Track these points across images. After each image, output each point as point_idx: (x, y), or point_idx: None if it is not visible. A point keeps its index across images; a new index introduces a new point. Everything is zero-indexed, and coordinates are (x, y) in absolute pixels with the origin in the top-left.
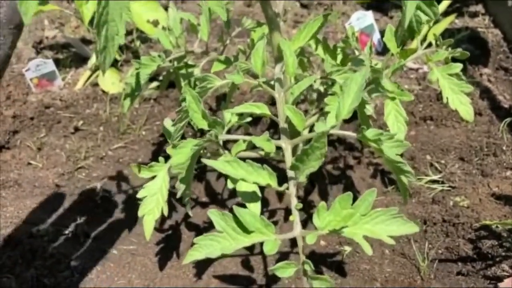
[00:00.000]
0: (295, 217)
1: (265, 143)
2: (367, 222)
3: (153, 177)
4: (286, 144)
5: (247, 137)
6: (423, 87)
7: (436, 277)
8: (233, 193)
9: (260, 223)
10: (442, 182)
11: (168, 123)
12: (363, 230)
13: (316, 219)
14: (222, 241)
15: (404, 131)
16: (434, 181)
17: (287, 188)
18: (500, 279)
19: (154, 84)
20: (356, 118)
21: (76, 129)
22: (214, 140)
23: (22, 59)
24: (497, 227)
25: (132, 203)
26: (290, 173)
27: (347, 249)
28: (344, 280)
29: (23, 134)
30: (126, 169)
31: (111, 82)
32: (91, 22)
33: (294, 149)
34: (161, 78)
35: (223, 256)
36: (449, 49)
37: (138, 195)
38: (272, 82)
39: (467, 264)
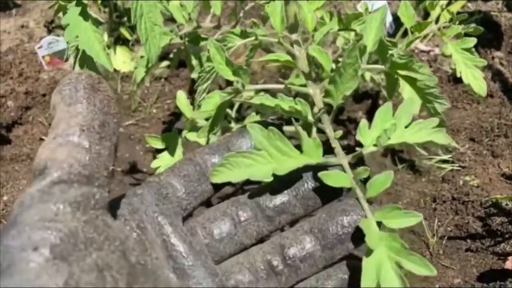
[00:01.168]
0: (336, 145)
1: (296, 80)
2: (410, 136)
3: (166, 149)
4: (313, 89)
5: (275, 86)
6: (434, 69)
7: (445, 253)
8: None
9: (313, 144)
10: (452, 162)
11: (182, 95)
12: (409, 140)
13: (360, 137)
14: (260, 160)
15: (419, 104)
16: (444, 161)
17: (320, 121)
18: (509, 255)
19: (165, 63)
20: (367, 97)
21: None
22: (241, 90)
23: (34, 38)
24: (506, 204)
25: (144, 179)
26: (324, 103)
27: None
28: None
29: (35, 110)
30: (137, 145)
31: (122, 61)
32: (103, 1)
33: None
34: (171, 56)
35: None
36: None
37: (152, 165)
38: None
39: (476, 240)
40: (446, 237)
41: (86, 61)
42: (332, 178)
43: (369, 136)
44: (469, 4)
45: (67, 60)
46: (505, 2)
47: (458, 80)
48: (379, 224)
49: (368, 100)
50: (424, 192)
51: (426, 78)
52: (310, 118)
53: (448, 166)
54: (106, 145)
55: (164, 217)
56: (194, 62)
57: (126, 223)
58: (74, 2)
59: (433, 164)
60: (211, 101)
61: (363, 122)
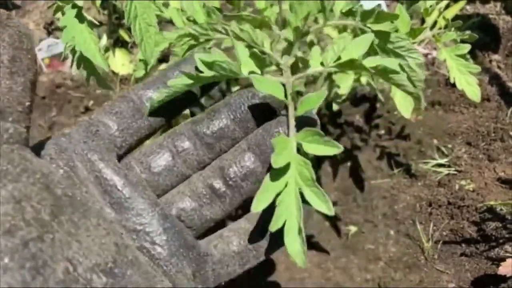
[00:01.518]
0: (285, 68)
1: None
2: (362, 59)
3: None
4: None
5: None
6: (432, 73)
7: (439, 258)
8: None
9: (252, 56)
10: (449, 166)
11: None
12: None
13: (312, 61)
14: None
15: (411, 106)
16: (440, 165)
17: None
18: (503, 260)
19: (164, 65)
20: (364, 101)
21: (87, 109)
22: (208, 31)
23: (33, 40)
24: (501, 209)
25: None
26: (282, 32)
27: (352, 229)
28: (348, 259)
29: (34, 113)
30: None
31: (121, 63)
32: (102, 3)
33: None
34: (170, 59)
35: None
36: (458, 31)
37: None
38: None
39: (470, 245)
40: (441, 242)
41: (83, 62)
42: (265, 85)
43: (318, 57)
44: (467, 7)
45: (65, 59)
46: (503, 5)
47: (455, 84)
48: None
49: (366, 103)
50: (420, 196)
51: (397, 30)
52: (267, 46)
53: (444, 170)
54: (18, 80)
55: (95, 153)
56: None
57: (52, 162)
58: (70, 5)
59: (429, 168)
60: (172, 36)
61: (316, 47)
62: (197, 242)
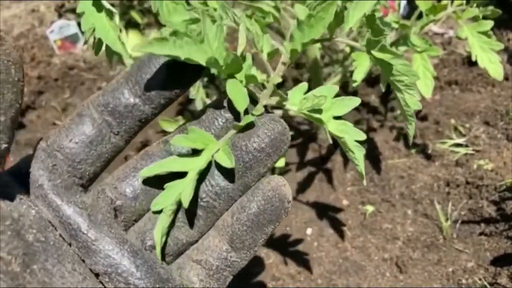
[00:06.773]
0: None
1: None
2: (332, 124)
3: None
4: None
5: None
6: (448, 52)
7: (458, 237)
8: None
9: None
10: (466, 146)
11: None
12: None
13: (290, 100)
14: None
15: (431, 86)
16: (458, 145)
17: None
18: None
19: None
20: (379, 82)
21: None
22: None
23: (44, 22)
24: None
25: None
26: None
27: (370, 208)
28: (366, 239)
29: (48, 95)
30: (149, 129)
31: (134, 45)
32: None
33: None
34: None
35: None
36: (480, 8)
37: None
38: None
39: (489, 225)
40: (459, 221)
41: (102, 46)
42: (235, 93)
43: (297, 99)
44: None
45: (85, 43)
46: None
47: (472, 63)
48: None
49: None
50: (438, 176)
51: (401, 64)
52: (265, 55)
53: (462, 150)
54: None
55: (56, 196)
56: None
57: (22, 202)
58: None
59: (447, 148)
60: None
61: (304, 84)
62: (171, 273)
